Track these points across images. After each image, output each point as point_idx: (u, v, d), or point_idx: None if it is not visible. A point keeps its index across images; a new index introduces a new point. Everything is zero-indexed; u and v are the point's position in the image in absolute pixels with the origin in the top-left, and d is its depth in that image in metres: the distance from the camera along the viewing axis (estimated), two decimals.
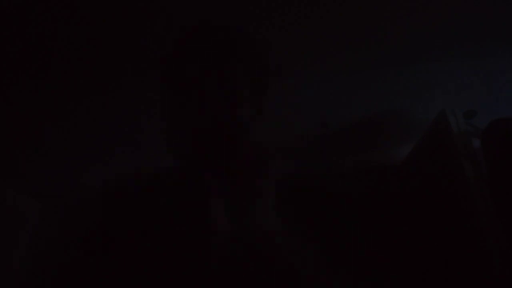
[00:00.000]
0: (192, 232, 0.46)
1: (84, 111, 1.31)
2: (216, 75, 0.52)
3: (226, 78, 0.52)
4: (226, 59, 0.53)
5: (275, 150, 0.55)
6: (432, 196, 1.37)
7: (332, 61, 1.23)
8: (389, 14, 1.07)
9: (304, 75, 1.26)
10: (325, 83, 1.32)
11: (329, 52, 1.20)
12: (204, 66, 0.53)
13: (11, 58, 1.07)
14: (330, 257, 0.48)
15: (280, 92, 1.23)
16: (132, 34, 1.03)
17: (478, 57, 1.28)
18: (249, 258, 0.47)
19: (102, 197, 0.57)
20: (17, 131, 1.37)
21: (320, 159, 1.74)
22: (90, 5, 0.96)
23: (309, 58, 1.19)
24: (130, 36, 1.04)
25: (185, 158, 0.51)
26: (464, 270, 1.15)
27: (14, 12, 0.96)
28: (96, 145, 1.46)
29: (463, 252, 1.17)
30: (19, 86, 1.17)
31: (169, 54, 0.56)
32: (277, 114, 1.31)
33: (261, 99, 0.55)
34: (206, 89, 0.51)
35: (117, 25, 1.02)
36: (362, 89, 1.38)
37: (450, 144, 1.25)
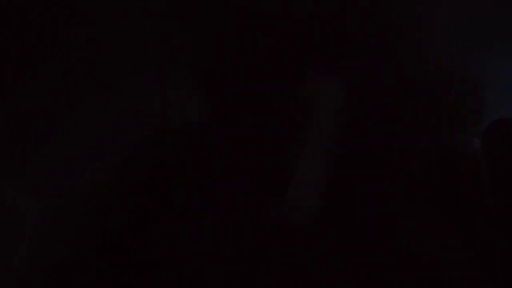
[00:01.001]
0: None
1: (84, 111, 1.31)
2: None
3: None
4: None
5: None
6: (432, 195, 1.37)
7: None
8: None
9: None
10: None
11: None
12: None
13: (11, 58, 1.07)
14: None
15: None
16: (132, 34, 1.04)
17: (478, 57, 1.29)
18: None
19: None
20: (17, 131, 1.37)
21: None
22: (90, 5, 0.96)
23: None
24: (130, 36, 1.04)
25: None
26: (464, 271, 1.15)
27: (14, 12, 0.96)
28: (97, 145, 1.46)
29: (463, 252, 1.17)
30: (19, 86, 1.17)
31: None
32: None
33: None
34: None
35: (117, 25, 1.02)
36: None
37: None
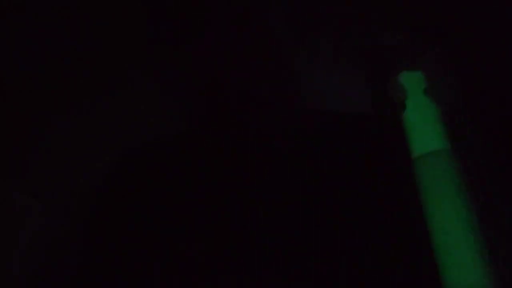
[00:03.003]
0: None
1: (84, 112, 1.31)
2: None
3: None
4: None
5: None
6: None
7: None
8: None
9: None
10: None
11: None
12: None
13: (11, 59, 1.07)
14: None
15: None
16: (133, 34, 1.03)
17: None
18: None
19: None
20: (17, 131, 1.37)
21: None
22: (91, 4, 0.96)
23: None
24: (130, 36, 1.04)
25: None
26: None
27: (14, 11, 0.96)
28: (96, 145, 1.46)
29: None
30: (19, 87, 1.16)
31: None
32: None
33: None
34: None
35: (117, 25, 1.02)
36: None
37: None
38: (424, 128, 0.50)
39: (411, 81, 0.50)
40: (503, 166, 0.43)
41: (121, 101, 1.27)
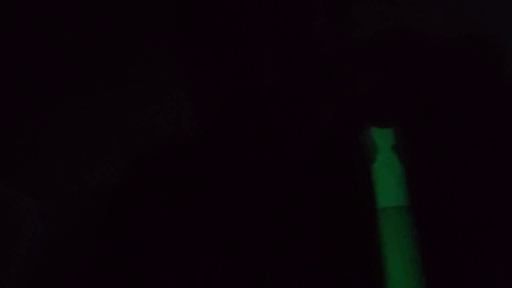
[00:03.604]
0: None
1: (85, 112, 1.31)
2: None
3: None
4: None
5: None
6: None
7: None
8: None
9: None
10: None
11: None
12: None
13: (12, 59, 1.07)
14: None
15: None
16: (133, 34, 1.03)
17: None
18: None
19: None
20: (18, 131, 1.37)
21: None
22: (91, 4, 0.96)
23: None
24: (131, 36, 1.04)
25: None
26: None
27: (14, 11, 0.96)
28: (97, 144, 1.46)
29: None
30: (20, 87, 1.16)
31: None
32: None
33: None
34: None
35: (118, 25, 1.01)
36: None
37: None
38: (387, 183, 0.52)
39: (380, 137, 0.52)
40: (457, 231, 0.45)
41: (123, 102, 1.27)
